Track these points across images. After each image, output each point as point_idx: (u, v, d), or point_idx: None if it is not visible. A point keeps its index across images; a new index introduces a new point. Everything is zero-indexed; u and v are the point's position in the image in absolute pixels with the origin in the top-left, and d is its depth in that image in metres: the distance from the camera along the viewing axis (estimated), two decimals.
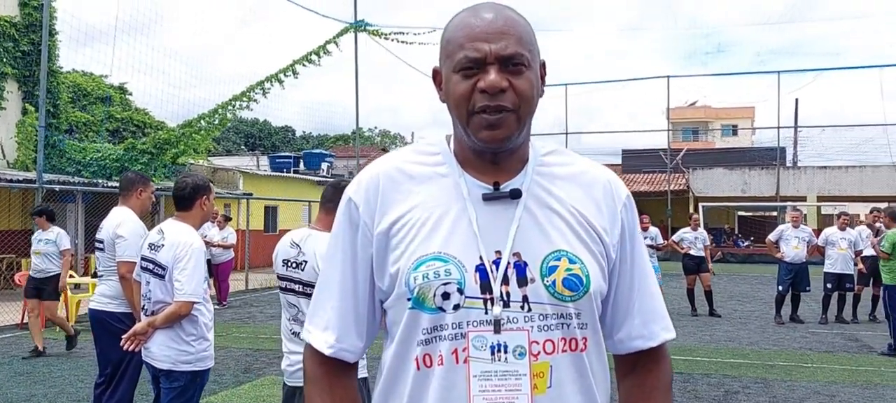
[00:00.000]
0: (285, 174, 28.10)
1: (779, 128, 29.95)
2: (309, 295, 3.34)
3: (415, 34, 23.02)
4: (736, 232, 33.39)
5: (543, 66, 1.38)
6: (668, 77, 29.73)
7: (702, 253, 12.69)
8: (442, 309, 1.27)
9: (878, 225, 11.52)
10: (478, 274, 1.27)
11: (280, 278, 3.53)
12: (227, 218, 14.01)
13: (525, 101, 1.30)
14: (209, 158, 25.14)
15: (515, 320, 1.26)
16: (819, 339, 10.13)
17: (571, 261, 1.30)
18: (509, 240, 1.29)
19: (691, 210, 27.95)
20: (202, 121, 20.16)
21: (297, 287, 3.45)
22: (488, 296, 1.27)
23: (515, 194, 1.32)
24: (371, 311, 1.40)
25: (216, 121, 20.58)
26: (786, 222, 13.18)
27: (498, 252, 1.29)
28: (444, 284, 1.27)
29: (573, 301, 1.29)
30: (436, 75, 1.41)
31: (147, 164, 19.29)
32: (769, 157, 31.03)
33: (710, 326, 11.33)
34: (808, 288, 11.67)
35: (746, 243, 30.27)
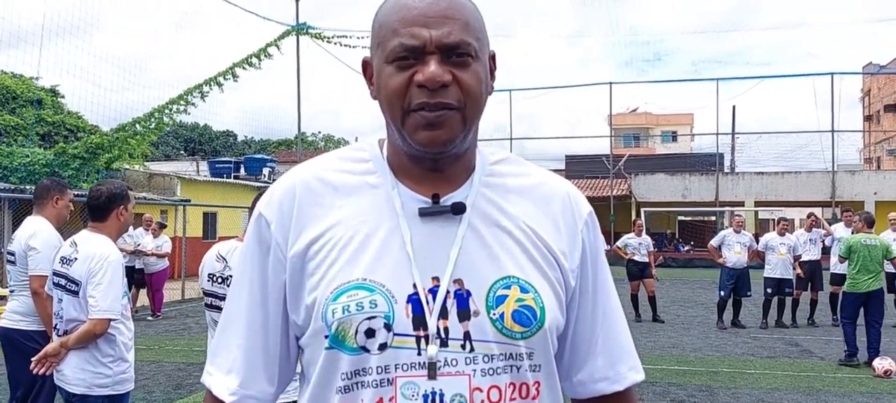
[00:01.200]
0: (225, 179, 27.44)
1: (717, 134, 30.56)
2: None
3: (358, 37, 22.73)
4: (676, 236, 33.90)
5: (493, 57, 1.16)
6: (611, 84, 30.08)
7: (646, 259, 12.73)
8: (365, 349, 1.04)
9: (804, 234, 11.90)
10: (410, 306, 1.05)
11: (206, 293, 3.30)
12: (163, 226, 13.49)
13: (471, 99, 1.08)
14: (146, 163, 24.40)
15: (454, 362, 1.05)
16: (761, 344, 10.21)
17: (523, 290, 1.08)
18: (449, 264, 1.07)
19: (634, 215, 28.26)
20: (137, 126, 19.50)
21: (222, 303, 3.18)
22: (422, 333, 1.04)
23: (458, 209, 1.10)
24: (284, 350, 1.16)
25: (152, 126, 19.94)
26: (727, 228, 13.33)
27: (435, 278, 1.07)
28: (369, 319, 1.04)
29: (524, 338, 1.07)
30: (365, 67, 1.18)
31: (79, 170, 18.56)
32: (708, 163, 31.62)
33: (654, 332, 11.34)
34: (749, 293, 11.79)
35: (687, 247, 30.74)
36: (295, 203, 1.13)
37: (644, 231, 13.30)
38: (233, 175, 30.05)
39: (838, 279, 10.85)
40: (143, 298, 13.23)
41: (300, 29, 21.35)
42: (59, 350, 3.54)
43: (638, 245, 12.77)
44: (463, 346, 1.05)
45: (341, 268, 1.07)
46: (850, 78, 38.22)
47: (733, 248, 11.71)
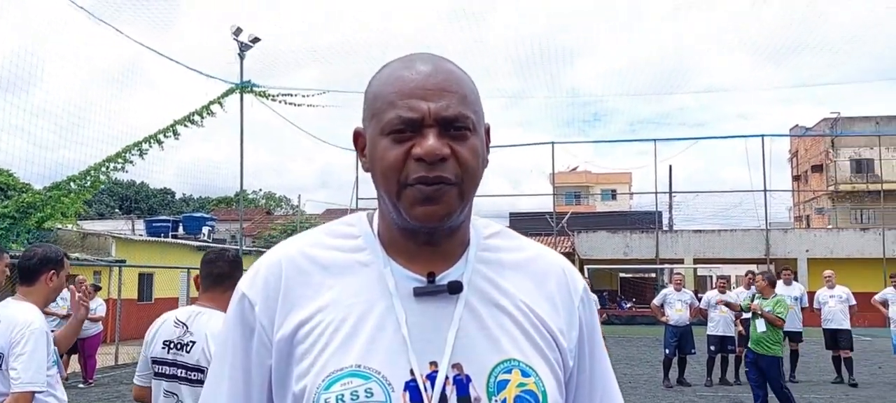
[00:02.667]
0: (162, 239, 26.74)
1: (656, 193, 31.27)
2: (193, 382, 2.97)
3: (303, 96, 22.71)
4: (618, 293, 34.31)
5: (488, 131, 1.13)
6: (553, 143, 30.59)
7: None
8: None
9: (744, 292, 11.98)
10: (408, 394, 1.00)
11: (156, 362, 3.10)
12: (97, 288, 13.00)
13: (469, 173, 1.05)
14: (79, 222, 23.63)
15: None
16: (706, 402, 10.29)
17: (524, 374, 1.04)
18: (447, 348, 1.02)
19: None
20: (72, 184, 18.94)
21: (180, 372, 3.03)
22: None
23: (455, 288, 1.06)
24: None
25: (88, 184, 19.39)
26: (668, 285, 13.54)
27: (433, 364, 1.02)
28: None
29: None
30: (357, 138, 1.13)
31: (8, 229, 17.86)
32: (648, 221, 32.27)
33: None
34: (693, 351, 11.92)
35: (629, 304, 31.11)
36: (281, 282, 1.07)
37: (590, 289, 13.48)
38: (171, 234, 29.33)
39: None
40: (75, 364, 12.67)
41: (244, 87, 21.19)
42: None
43: None
44: None
45: (333, 354, 1.01)
46: (779, 139, 39.81)
47: (675, 306, 11.87)
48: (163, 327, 3.15)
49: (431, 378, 1.01)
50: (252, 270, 1.12)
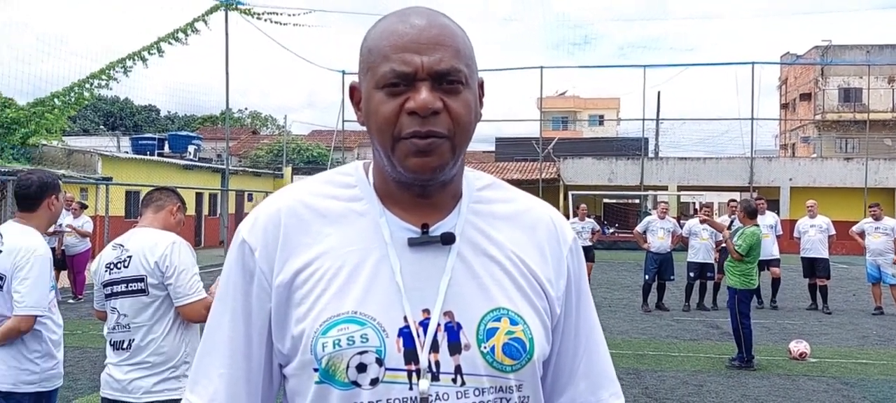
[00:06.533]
0: (149, 157, 26.63)
1: (643, 119, 31.30)
2: (132, 293, 3.23)
3: (289, 15, 22.40)
4: (602, 218, 34.71)
5: (481, 85, 1.16)
6: (542, 68, 30.38)
7: (588, 243, 13.24)
8: (357, 384, 1.03)
9: (731, 217, 12.12)
10: (401, 340, 1.05)
11: (106, 285, 3.32)
12: (83, 206, 13.02)
13: (461, 127, 1.07)
14: (64, 139, 23.46)
15: (446, 396, 1.05)
16: (683, 327, 10.59)
17: (513, 322, 1.09)
18: (439, 296, 1.07)
19: (562, 198, 28.78)
20: (56, 100, 18.78)
21: (120, 287, 3.26)
22: (413, 367, 1.04)
23: (448, 239, 1.10)
24: (267, 379, 1.15)
25: (72, 100, 19.24)
26: (652, 212, 13.76)
27: (426, 311, 1.06)
28: (360, 353, 1.03)
29: (514, 371, 1.08)
30: (353, 92, 1.16)
31: None
32: (634, 147, 32.39)
33: None
34: (672, 277, 12.18)
35: (611, 230, 31.49)
36: (280, 230, 1.11)
37: (588, 215, 13.93)
38: (157, 152, 29.18)
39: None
40: (64, 280, 12.78)
41: (229, 4, 20.84)
42: None
43: (581, 229, 13.29)
44: (454, 380, 1.05)
45: (330, 300, 1.06)
46: (768, 67, 39.69)
47: (657, 234, 12.07)
48: (103, 255, 3.37)
49: (424, 325, 1.06)
50: (251, 217, 1.16)
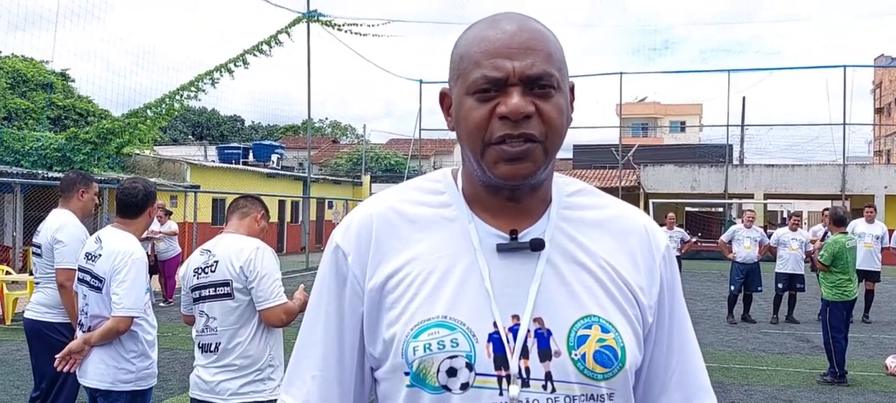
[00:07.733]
0: (234, 165, 27.49)
1: (728, 125, 30.39)
2: (219, 297, 3.31)
3: (369, 26, 22.79)
4: (684, 227, 33.90)
5: (572, 89, 1.15)
6: (622, 73, 29.91)
7: (677, 253, 12.94)
8: (447, 388, 1.04)
9: (821, 229, 11.62)
10: (491, 345, 1.04)
11: (194, 290, 3.42)
12: (169, 213, 13.54)
13: (554, 131, 1.06)
14: (155, 148, 24.47)
15: (536, 402, 1.04)
16: (771, 340, 10.22)
17: (604, 330, 1.07)
18: (529, 302, 1.06)
19: (641, 206, 28.21)
20: (148, 111, 19.59)
21: (208, 291, 3.35)
22: (504, 373, 1.04)
23: (537, 245, 1.09)
24: (359, 382, 1.16)
25: (163, 111, 20.04)
26: (737, 221, 13.34)
27: (515, 317, 1.06)
28: (451, 358, 1.04)
29: (606, 379, 1.06)
30: (443, 98, 1.16)
31: (90, 154, 18.64)
32: (717, 154, 31.49)
33: None
34: (760, 288, 11.77)
35: (694, 239, 30.70)
36: (372, 235, 1.12)
37: (675, 224, 13.58)
38: (242, 161, 30.08)
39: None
40: (155, 284, 13.29)
41: (311, 16, 21.33)
42: (83, 347, 3.57)
43: (670, 239, 13.01)
44: (544, 387, 1.04)
45: (421, 305, 1.07)
46: (861, 70, 38.06)
47: (743, 243, 11.70)
48: (191, 260, 3.48)
49: (514, 330, 1.05)
50: (344, 223, 1.18)
